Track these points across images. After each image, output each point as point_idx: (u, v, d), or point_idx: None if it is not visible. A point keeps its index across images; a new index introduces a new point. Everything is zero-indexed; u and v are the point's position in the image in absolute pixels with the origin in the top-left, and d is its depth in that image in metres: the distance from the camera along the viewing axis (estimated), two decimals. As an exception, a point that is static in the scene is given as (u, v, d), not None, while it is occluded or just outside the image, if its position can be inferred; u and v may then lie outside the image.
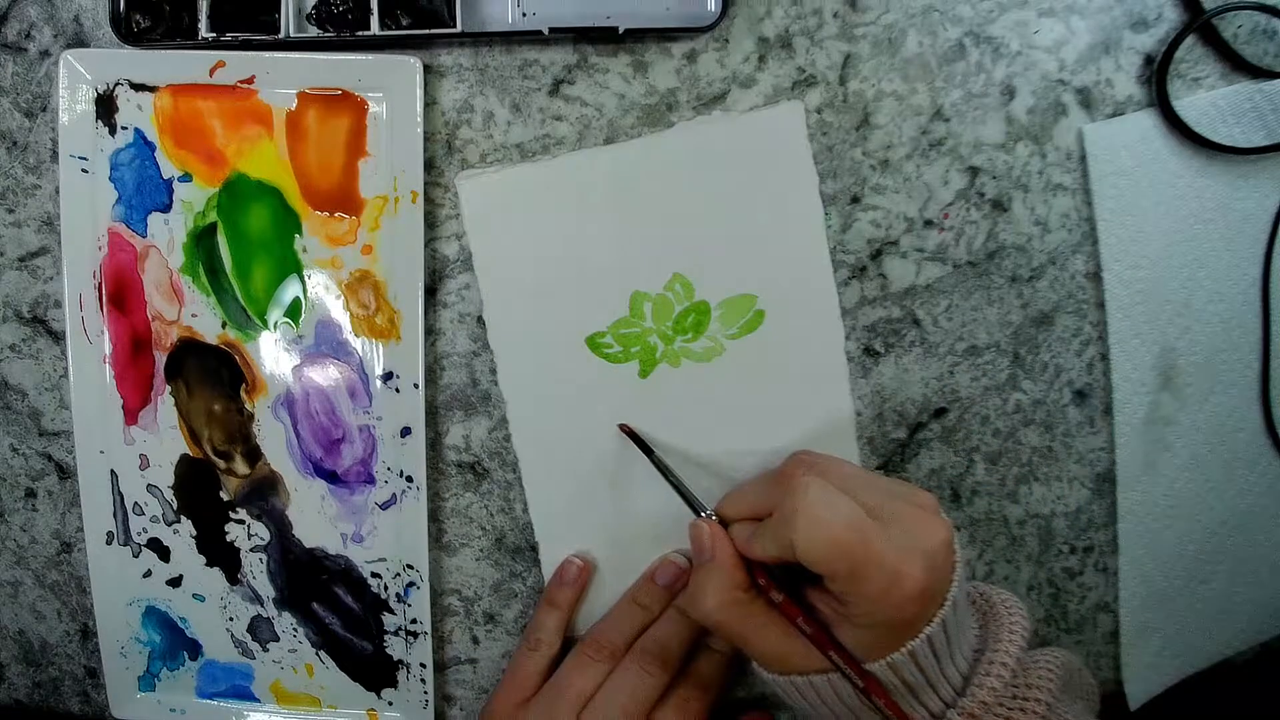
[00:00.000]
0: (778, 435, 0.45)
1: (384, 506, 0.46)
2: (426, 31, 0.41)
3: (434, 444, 0.46)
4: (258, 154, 0.43)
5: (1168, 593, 0.48)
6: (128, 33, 0.42)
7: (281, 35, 0.41)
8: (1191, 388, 0.47)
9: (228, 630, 0.48)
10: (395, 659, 0.47)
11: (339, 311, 0.44)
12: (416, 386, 0.44)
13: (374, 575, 0.46)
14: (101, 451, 0.46)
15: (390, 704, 0.47)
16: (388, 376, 0.44)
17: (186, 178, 0.44)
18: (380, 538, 0.46)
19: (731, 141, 0.43)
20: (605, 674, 0.43)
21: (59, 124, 0.43)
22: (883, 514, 0.35)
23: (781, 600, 0.36)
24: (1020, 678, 0.36)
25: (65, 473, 0.49)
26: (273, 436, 0.46)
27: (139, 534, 0.47)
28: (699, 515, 0.40)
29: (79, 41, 0.44)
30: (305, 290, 0.44)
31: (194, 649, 0.48)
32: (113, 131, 0.44)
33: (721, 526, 0.39)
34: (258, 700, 0.48)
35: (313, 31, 0.42)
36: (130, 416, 0.46)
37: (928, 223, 0.45)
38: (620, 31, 0.41)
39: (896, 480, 0.40)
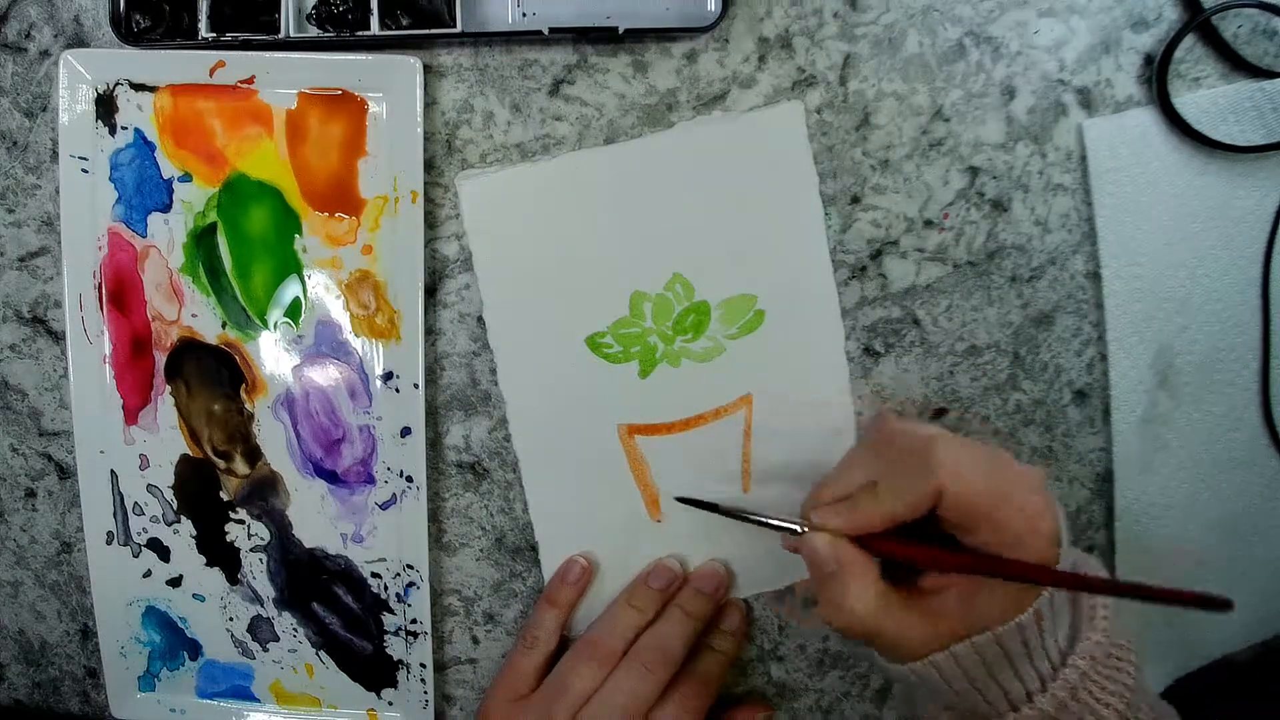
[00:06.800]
0: (778, 436, 0.45)
1: (384, 506, 0.46)
2: (426, 31, 0.41)
3: (434, 444, 0.46)
4: (258, 154, 0.43)
5: (1166, 592, 0.48)
6: (128, 33, 0.42)
7: (281, 35, 0.41)
8: (1189, 386, 0.47)
9: (228, 630, 0.48)
10: (395, 659, 0.47)
11: (339, 311, 0.44)
12: (416, 386, 0.44)
13: (374, 575, 0.46)
14: (101, 451, 0.46)
15: (390, 704, 0.47)
16: (388, 376, 0.44)
17: (186, 178, 0.44)
18: (380, 538, 0.46)
19: (731, 141, 0.43)
20: (602, 675, 0.42)
21: (59, 124, 0.43)
22: (998, 464, 0.34)
23: (935, 552, 0.35)
24: (1110, 642, 0.35)
25: (65, 473, 0.48)
26: (273, 436, 0.46)
27: (139, 534, 0.47)
28: (798, 532, 0.37)
29: (79, 41, 0.44)
30: (305, 290, 0.44)
31: (194, 649, 0.48)
32: (113, 131, 0.44)
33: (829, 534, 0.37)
34: (258, 700, 0.48)
35: (313, 31, 0.42)
36: (130, 416, 0.46)
37: (928, 223, 0.45)
38: (620, 31, 0.41)
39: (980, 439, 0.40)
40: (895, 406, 0.45)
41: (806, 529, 0.37)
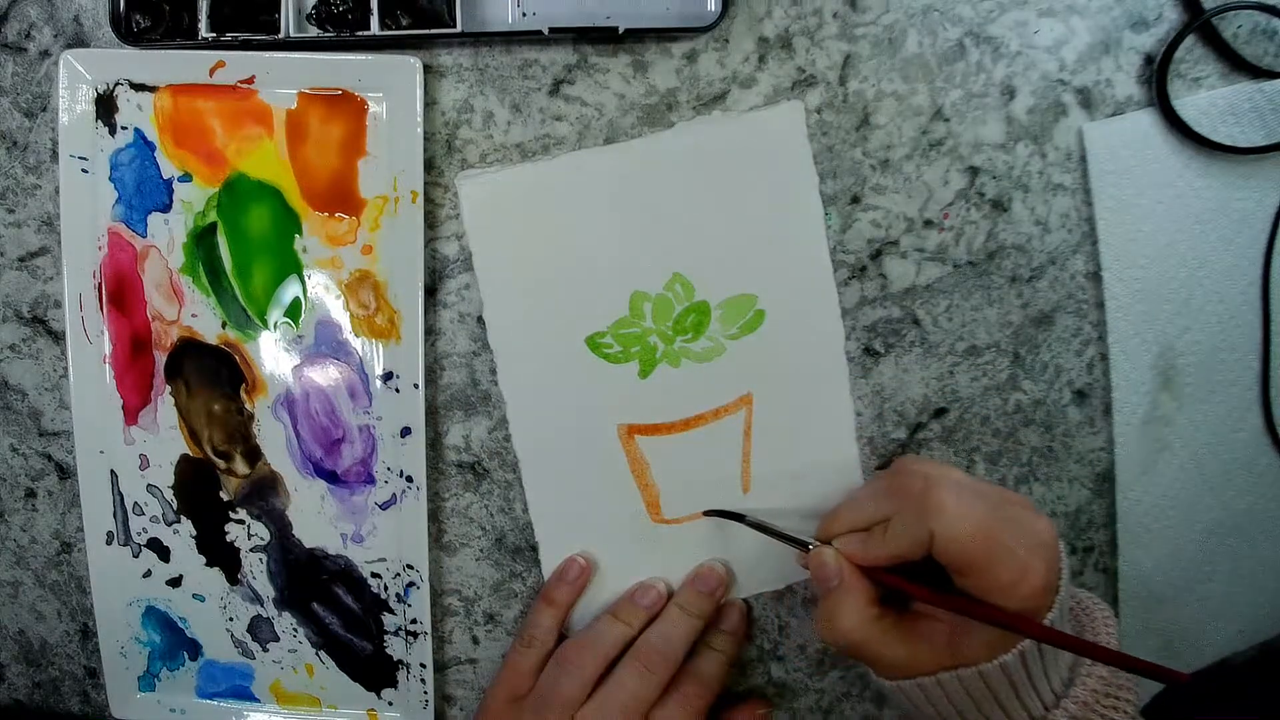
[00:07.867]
0: (778, 435, 0.45)
1: (384, 506, 0.46)
2: (426, 31, 0.41)
3: (434, 444, 0.46)
4: (258, 154, 0.43)
5: (1166, 593, 0.48)
6: (128, 33, 0.42)
7: (281, 35, 0.41)
8: (1191, 387, 0.47)
9: (228, 630, 0.48)
10: (395, 659, 0.47)
11: (339, 311, 0.44)
12: (416, 386, 0.44)
13: (374, 575, 0.46)
14: (101, 451, 0.46)
15: (390, 704, 0.47)
16: (388, 376, 0.44)
17: (186, 178, 0.44)
18: (380, 538, 0.46)
19: (731, 141, 0.43)
20: (591, 681, 0.42)
21: (59, 124, 0.43)
22: (1001, 512, 0.36)
23: (925, 592, 0.37)
24: (1113, 677, 0.36)
25: (65, 473, 0.49)
26: (273, 436, 0.46)
27: (139, 534, 0.47)
28: (807, 548, 0.40)
29: (79, 41, 0.44)
30: (305, 290, 0.44)
31: (194, 649, 0.48)
32: (113, 131, 0.44)
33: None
34: (258, 700, 0.48)
35: (313, 31, 0.42)
36: (130, 416, 0.46)
37: (928, 223, 0.45)
38: (620, 31, 0.41)
39: (993, 484, 0.41)
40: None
41: (816, 545, 0.40)
